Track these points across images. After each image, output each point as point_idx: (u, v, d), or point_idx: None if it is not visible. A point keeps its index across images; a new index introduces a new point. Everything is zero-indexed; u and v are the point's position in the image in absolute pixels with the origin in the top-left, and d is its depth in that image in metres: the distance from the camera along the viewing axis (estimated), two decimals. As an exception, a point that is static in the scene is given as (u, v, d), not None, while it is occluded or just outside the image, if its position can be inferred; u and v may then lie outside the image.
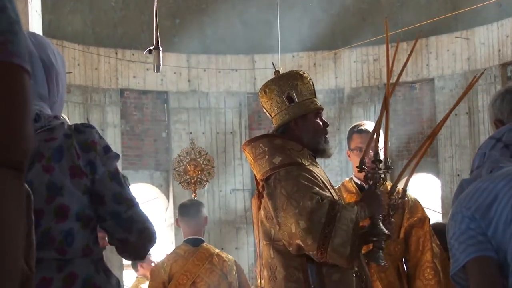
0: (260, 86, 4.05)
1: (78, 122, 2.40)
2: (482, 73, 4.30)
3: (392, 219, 3.87)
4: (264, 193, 3.72)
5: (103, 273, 2.29)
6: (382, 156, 3.80)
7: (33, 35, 2.45)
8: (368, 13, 13.26)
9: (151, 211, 12.39)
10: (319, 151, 3.87)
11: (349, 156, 4.58)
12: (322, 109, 3.92)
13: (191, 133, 13.15)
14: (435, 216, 11.89)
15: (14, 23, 1.25)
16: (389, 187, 4.10)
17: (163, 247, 12.28)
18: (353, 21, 13.30)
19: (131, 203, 2.32)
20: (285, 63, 12.47)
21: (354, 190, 4.51)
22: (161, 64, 7.33)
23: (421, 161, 3.95)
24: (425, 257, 4.40)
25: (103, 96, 12.82)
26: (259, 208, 3.80)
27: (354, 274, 3.63)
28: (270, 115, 3.92)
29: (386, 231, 3.68)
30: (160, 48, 7.28)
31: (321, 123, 3.87)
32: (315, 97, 3.92)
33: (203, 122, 13.38)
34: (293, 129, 3.82)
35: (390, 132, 4.04)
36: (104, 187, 2.27)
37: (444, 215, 12.12)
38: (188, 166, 9.53)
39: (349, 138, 4.54)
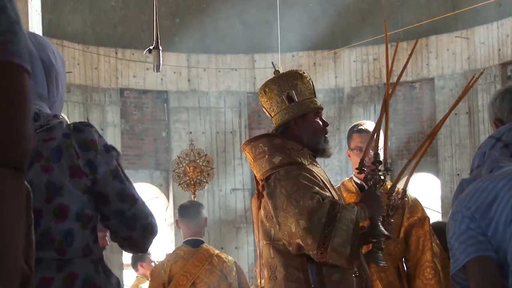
0: (260, 85, 4.05)
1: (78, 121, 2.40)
2: (481, 73, 4.30)
3: (392, 220, 3.87)
4: (264, 193, 3.72)
5: (103, 273, 2.29)
6: (382, 157, 3.80)
7: (33, 35, 2.45)
8: (368, 12, 13.26)
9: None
10: (319, 150, 3.87)
11: (349, 155, 4.58)
12: (322, 108, 3.92)
13: (191, 132, 13.15)
14: (435, 215, 11.89)
15: (14, 23, 1.25)
16: (388, 187, 4.10)
17: (163, 247, 12.28)
18: (353, 21, 13.30)
19: (134, 200, 2.33)
20: (285, 62, 12.47)
21: (354, 190, 4.50)
22: (161, 64, 7.33)
23: (421, 160, 3.95)
24: (425, 257, 4.40)
25: (103, 96, 12.83)
26: (259, 208, 3.79)
27: (353, 275, 3.63)
28: (269, 114, 3.92)
29: (386, 232, 3.68)
30: (160, 48, 7.28)
31: (321, 123, 3.87)
32: (315, 96, 3.91)
33: (203, 122, 13.38)
34: (293, 128, 3.82)
35: (390, 131, 4.04)
36: (107, 186, 2.28)
37: (444, 214, 12.12)
38: (188, 168, 9.56)
39: (349, 137, 4.54)
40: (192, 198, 8.99)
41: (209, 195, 12.92)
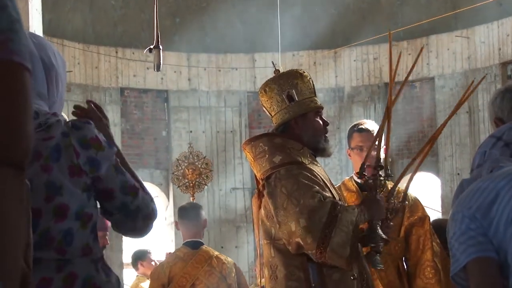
0: (260, 85, 4.05)
1: (78, 121, 2.40)
2: (482, 79, 4.30)
3: (391, 223, 3.88)
4: (265, 192, 3.72)
5: (103, 272, 2.29)
6: (382, 156, 3.81)
7: (34, 35, 2.46)
8: (368, 12, 13.26)
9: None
10: (319, 150, 3.88)
11: (349, 155, 4.58)
12: (322, 108, 3.92)
13: (191, 132, 13.16)
14: (435, 215, 11.89)
15: (14, 21, 1.25)
16: (389, 187, 4.10)
17: (163, 246, 12.29)
18: (353, 20, 13.29)
19: (136, 190, 2.34)
20: (285, 62, 12.46)
21: (355, 189, 4.50)
22: (161, 63, 7.33)
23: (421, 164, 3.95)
24: (426, 256, 4.40)
25: (103, 95, 12.82)
26: (259, 207, 3.79)
27: (351, 277, 3.63)
28: (270, 114, 3.92)
29: (384, 236, 3.69)
30: (160, 47, 7.28)
31: (321, 122, 3.87)
32: (315, 96, 3.92)
33: (203, 121, 13.38)
34: (293, 128, 3.82)
35: (390, 131, 4.04)
36: (111, 181, 2.29)
37: (444, 213, 12.11)
38: (187, 170, 9.60)
39: (349, 137, 4.54)
40: (191, 200, 9.03)
41: (209, 195, 12.92)
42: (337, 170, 12.82)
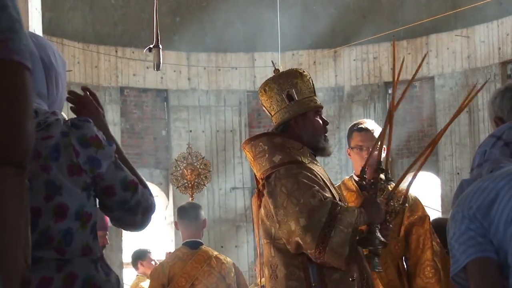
0: (259, 84, 4.05)
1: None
2: (484, 84, 4.30)
3: (390, 225, 3.88)
4: (265, 192, 3.72)
5: (103, 272, 2.29)
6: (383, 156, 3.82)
7: (34, 35, 2.45)
8: (368, 11, 13.26)
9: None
10: (319, 149, 3.87)
11: (349, 154, 4.58)
12: (322, 107, 3.92)
13: (191, 131, 13.16)
14: (435, 214, 11.89)
15: (15, 21, 1.25)
16: (389, 188, 4.10)
17: (163, 246, 12.29)
18: (353, 19, 13.29)
19: (135, 185, 2.34)
20: (285, 61, 12.46)
21: (354, 188, 4.50)
22: (161, 62, 7.32)
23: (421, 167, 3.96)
24: (426, 255, 4.40)
25: (103, 94, 12.82)
26: (259, 207, 3.79)
27: (350, 279, 3.63)
28: (269, 113, 3.91)
29: (382, 239, 3.69)
30: (160, 46, 7.27)
31: (321, 122, 3.87)
32: (315, 95, 3.91)
33: (203, 120, 13.38)
34: (293, 127, 3.82)
35: (391, 135, 4.06)
36: (112, 178, 2.29)
37: (444, 213, 12.12)
38: (185, 171, 9.61)
39: (349, 136, 4.54)
40: (190, 200, 9.04)
41: (209, 194, 12.92)
42: (337, 169, 12.82)
